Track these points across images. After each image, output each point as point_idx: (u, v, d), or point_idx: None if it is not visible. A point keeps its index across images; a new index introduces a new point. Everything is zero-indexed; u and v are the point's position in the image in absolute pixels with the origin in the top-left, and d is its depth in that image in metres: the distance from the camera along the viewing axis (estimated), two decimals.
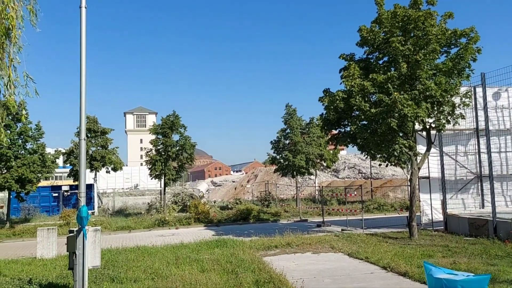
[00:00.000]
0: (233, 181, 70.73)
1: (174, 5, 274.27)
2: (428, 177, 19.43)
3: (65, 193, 32.67)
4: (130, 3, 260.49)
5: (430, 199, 19.49)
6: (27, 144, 24.16)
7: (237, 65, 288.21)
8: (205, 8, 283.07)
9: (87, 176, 28.34)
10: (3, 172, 22.91)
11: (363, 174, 50.63)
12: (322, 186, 32.57)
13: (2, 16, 6.09)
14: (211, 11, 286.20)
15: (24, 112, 7.55)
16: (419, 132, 18.39)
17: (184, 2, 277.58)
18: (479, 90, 18.39)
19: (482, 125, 18.29)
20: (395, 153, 17.38)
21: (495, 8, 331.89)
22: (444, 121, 16.20)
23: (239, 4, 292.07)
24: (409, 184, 18.43)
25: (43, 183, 29.76)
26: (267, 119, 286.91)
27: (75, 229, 8.87)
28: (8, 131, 22.85)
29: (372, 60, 17.45)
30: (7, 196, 25.60)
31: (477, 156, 19.61)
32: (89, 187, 30.83)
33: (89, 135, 32.68)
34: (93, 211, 31.10)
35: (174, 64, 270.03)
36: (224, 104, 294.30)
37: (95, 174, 34.55)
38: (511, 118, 19.73)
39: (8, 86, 6.30)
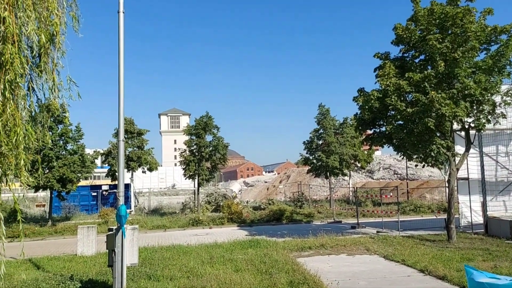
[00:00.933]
0: (265, 182, 70.83)
1: (208, 7, 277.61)
2: (467, 178, 18.82)
3: (104, 193, 33.68)
4: (165, 6, 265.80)
5: (470, 201, 18.87)
6: (67, 145, 25.10)
7: (270, 65, 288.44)
8: (238, 9, 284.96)
9: (124, 176, 29.12)
10: (46, 172, 23.87)
11: (399, 175, 49.58)
12: (356, 187, 32.14)
13: (47, 22, 6.37)
14: (243, 12, 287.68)
15: (67, 114, 7.84)
16: (457, 132, 17.85)
17: (219, 4, 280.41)
18: None
19: None
20: (432, 154, 16.99)
21: None
22: (484, 121, 15.64)
23: (274, 4, 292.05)
24: (447, 185, 17.91)
25: (82, 182, 30.77)
26: (299, 119, 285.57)
27: (114, 227, 9.12)
28: (51, 133, 23.81)
29: (408, 59, 17.10)
30: (49, 195, 26.66)
31: None
32: (126, 187, 31.65)
33: (126, 136, 33.50)
34: (131, 210, 31.88)
35: (208, 65, 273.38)
36: (257, 104, 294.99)
37: (132, 174, 35.41)
38: None
39: (53, 90, 6.57)
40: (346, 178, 41.60)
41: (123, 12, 9.92)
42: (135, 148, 34.39)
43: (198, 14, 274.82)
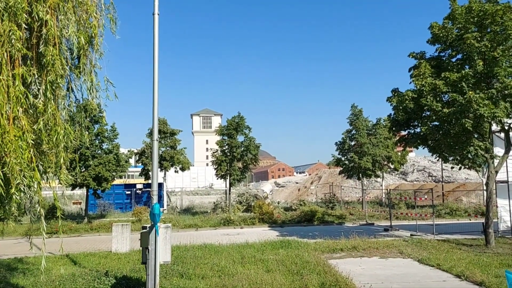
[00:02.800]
0: (297, 182, 70.50)
1: (239, 7, 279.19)
2: (507, 181, 18.11)
3: (138, 191, 34.43)
4: (197, 6, 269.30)
5: (509, 205, 18.16)
6: (103, 144, 25.83)
7: (301, 65, 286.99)
8: (270, 9, 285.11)
9: (158, 175, 29.69)
10: (82, 170, 24.64)
11: (433, 177, 48.21)
12: (389, 189, 31.48)
13: (86, 25, 6.58)
14: (275, 12, 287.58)
15: (104, 114, 8.06)
16: (496, 133, 17.23)
17: (249, 4, 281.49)
18: None
19: None
20: (470, 156, 16.44)
21: None
22: None
23: (304, 4, 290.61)
24: (485, 188, 17.32)
25: (116, 181, 31.57)
26: (331, 120, 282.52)
27: (147, 225, 9.29)
28: (87, 132, 24.56)
29: (444, 58, 16.64)
30: (85, 193, 27.51)
31: None
32: (160, 186, 32.20)
33: (159, 136, 34.04)
34: (164, 208, 32.44)
35: (239, 66, 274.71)
36: (288, 105, 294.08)
37: (165, 174, 36.03)
38: None
39: (91, 90, 6.77)
40: (379, 179, 40.87)
41: (158, 14, 10.12)
42: (168, 148, 34.96)
43: (229, 7, 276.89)
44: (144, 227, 9.41)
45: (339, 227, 24.37)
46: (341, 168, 33.96)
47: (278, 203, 36.51)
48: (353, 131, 33.18)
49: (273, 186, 70.86)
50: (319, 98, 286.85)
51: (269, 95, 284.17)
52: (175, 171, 36.06)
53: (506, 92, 14.26)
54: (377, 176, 34.98)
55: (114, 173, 25.47)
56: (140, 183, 36.27)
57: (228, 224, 25.04)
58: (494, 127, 16.35)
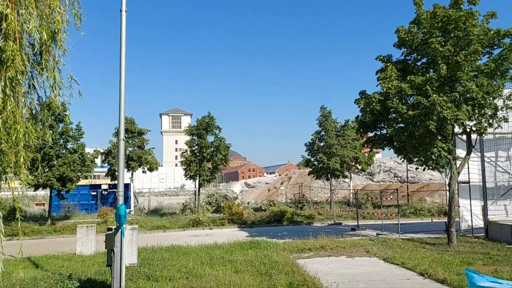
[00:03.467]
0: (267, 183, 70.75)
1: (210, 5, 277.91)
2: (468, 182, 18.76)
3: (104, 192, 33.64)
4: (167, 4, 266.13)
5: (470, 204, 18.82)
6: (68, 143, 25.07)
7: (272, 67, 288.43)
8: (241, 7, 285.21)
9: (124, 176, 29.08)
10: (46, 170, 23.85)
11: (399, 178, 49.46)
12: (356, 189, 32.07)
13: (49, 20, 6.35)
14: (247, 10, 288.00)
15: (67, 112, 7.80)
16: (459, 136, 17.81)
17: (221, 2, 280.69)
18: None
19: None
20: (433, 157, 16.92)
21: None
22: (485, 125, 15.58)
23: (276, 9, 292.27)
24: (447, 189, 17.88)
25: (82, 181, 30.74)
26: (301, 121, 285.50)
27: (113, 227, 9.10)
28: (51, 131, 23.80)
29: (409, 62, 17.07)
30: (48, 194, 26.64)
31: None
32: (126, 187, 31.61)
33: (126, 135, 33.47)
34: (130, 210, 31.85)
35: (210, 66, 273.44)
36: (259, 106, 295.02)
37: (132, 174, 35.38)
38: None
39: (54, 88, 6.55)
40: (347, 180, 41.53)
41: (126, 11, 9.90)
42: (135, 148, 34.34)
43: (202, 15, 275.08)
44: (109, 229, 9.20)
45: (308, 227, 24.60)
46: (311, 169, 34.33)
47: (248, 204, 36.50)
48: (322, 132, 33.62)
49: (243, 186, 70.90)
50: (290, 99, 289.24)
51: (240, 95, 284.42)
52: (143, 172, 35.45)
53: (468, 95, 14.76)
54: (345, 177, 35.55)
55: (79, 174, 24.79)
56: (106, 184, 35.44)
57: (197, 225, 24.83)
58: (457, 129, 16.88)
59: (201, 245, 16.32)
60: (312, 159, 33.82)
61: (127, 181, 33.11)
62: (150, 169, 35.03)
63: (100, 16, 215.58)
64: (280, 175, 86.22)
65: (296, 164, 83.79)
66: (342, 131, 33.94)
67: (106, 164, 35.11)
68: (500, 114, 15.73)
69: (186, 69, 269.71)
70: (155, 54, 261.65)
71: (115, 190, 27.21)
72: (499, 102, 15.69)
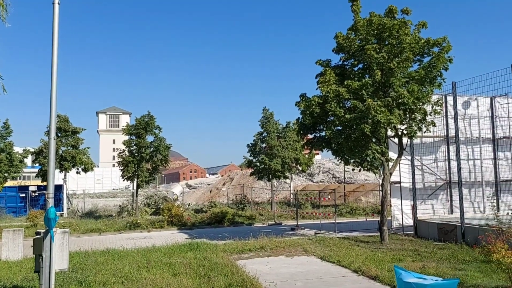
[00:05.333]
0: (209, 184, 70.28)
1: (151, 3, 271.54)
2: (400, 183, 19.77)
3: (33, 194, 31.69)
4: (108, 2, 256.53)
5: (401, 204, 19.83)
6: None
7: (213, 67, 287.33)
8: (183, 8, 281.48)
9: (57, 177, 27.61)
10: None
11: (337, 179, 51.12)
12: (297, 190, 32.72)
13: None
14: (189, 11, 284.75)
15: None
16: (391, 139, 18.70)
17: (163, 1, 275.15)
18: (450, 99, 18.88)
19: (452, 133, 18.77)
20: (368, 159, 17.63)
21: (469, 16, 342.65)
22: (415, 128, 16.52)
23: (218, 7, 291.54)
24: (380, 189, 18.73)
25: (10, 183, 28.82)
26: (244, 122, 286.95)
27: (42, 231, 8.63)
28: None
29: (347, 67, 17.65)
30: None
31: (446, 163, 20.10)
32: (58, 188, 30.05)
33: (59, 134, 31.87)
34: (61, 212, 30.29)
35: (151, 64, 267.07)
36: (202, 106, 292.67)
37: (65, 175, 33.69)
38: (480, 127, 20.32)
39: None
40: (288, 181, 42.28)
41: (59, 4, 9.37)
42: (69, 147, 32.76)
43: (142, 11, 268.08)
44: (38, 233, 8.73)
45: (249, 227, 24.71)
46: (253, 170, 34.58)
47: (189, 205, 36.02)
48: (264, 134, 34.02)
49: (184, 187, 69.91)
50: (233, 100, 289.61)
51: (182, 94, 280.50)
52: (77, 172, 33.90)
53: (400, 100, 15.56)
54: (286, 178, 36.16)
55: (6, 174, 23.24)
56: (36, 185, 33.41)
57: (135, 227, 24.08)
58: (390, 132, 17.68)
59: (138, 248, 15.83)
60: (254, 160, 34.08)
61: (59, 182, 31.51)
62: (85, 170, 33.61)
63: (31, 8, 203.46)
64: (222, 176, 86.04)
65: (238, 165, 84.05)
66: (284, 133, 34.53)
67: (37, 165, 33.14)
68: (428, 118, 16.74)
69: (125, 66, 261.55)
70: (92, 49, 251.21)
71: (45, 191, 25.75)
72: (428, 108, 16.69)
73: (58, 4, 9.33)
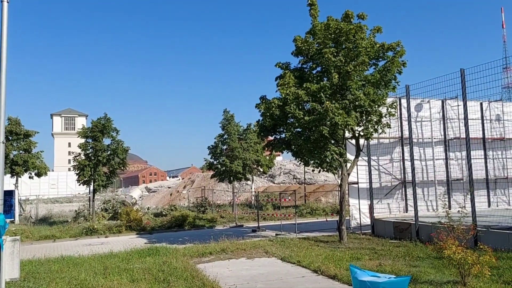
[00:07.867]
0: (169, 187, 69.27)
1: (105, 3, 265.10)
2: (357, 183, 20.28)
3: None
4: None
5: (359, 204, 20.33)
6: None
7: (174, 68, 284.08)
8: (138, 9, 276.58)
9: (7, 182, 26.38)
10: None
11: (298, 180, 51.79)
12: (258, 192, 32.86)
13: None
14: (144, 12, 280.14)
15: None
16: (349, 140, 19.16)
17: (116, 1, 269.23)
18: (403, 101, 19.56)
19: (406, 134, 19.45)
20: (327, 160, 17.91)
21: (423, 22, 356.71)
22: (371, 130, 17.03)
23: (174, 8, 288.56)
24: (339, 189, 19.14)
25: None
26: (205, 124, 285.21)
27: None
28: None
29: (306, 70, 17.93)
30: None
31: (401, 163, 20.81)
32: (9, 194, 28.65)
33: (10, 137, 30.46)
34: (12, 219, 28.95)
35: (107, 66, 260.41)
36: (161, 109, 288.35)
37: (17, 180, 32.25)
38: (432, 128, 21.21)
39: None
40: (249, 182, 42.40)
41: (8, 2, 8.95)
42: (21, 151, 31.37)
43: (94, 3, 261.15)
44: None
45: (210, 230, 24.56)
46: (214, 172, 34.41)
47: (148, 209, 35.35)
48: (225, 136, 33.95)
49: (144, 191, 68.57)
50: (193, 102, 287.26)
51: (141, 98, 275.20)
52: (30, 177, 32.50)
53: (356, 103, 16.00)
54: (247, 179, 36.24)
55: None
56: None
57: (92, 233, 23.35)
58: (347, 134, 18.11)
59: (95, 255, 15.37)
60: (215, 162, 33.94)
61: (10, 187, 30.08)
62: (38, 174, 32.28)
63: None
64: (183, 178, 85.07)
65: (199, 168, 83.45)
66: (245, 135, 34.60)
67: None
68: (384, 120, 17.30)
69: (81, 68, 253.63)
70: (45, 50, 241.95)
71: None
72: (383, 110, 17.25)
73: (7, 2, 8.91)
